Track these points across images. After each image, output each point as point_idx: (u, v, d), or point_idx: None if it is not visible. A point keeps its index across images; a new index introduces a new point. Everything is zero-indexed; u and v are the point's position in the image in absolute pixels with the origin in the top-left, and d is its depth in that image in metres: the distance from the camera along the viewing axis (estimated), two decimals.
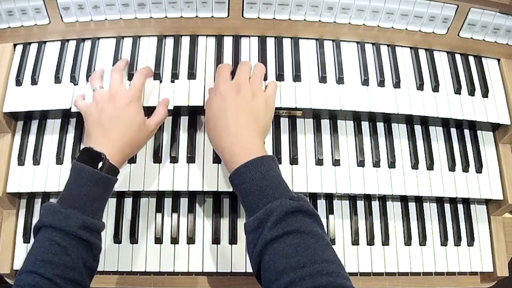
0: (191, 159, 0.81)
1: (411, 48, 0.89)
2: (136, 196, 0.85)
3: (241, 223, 0.84)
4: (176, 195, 0.86)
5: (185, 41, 0.86)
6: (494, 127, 0.90)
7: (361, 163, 0.83)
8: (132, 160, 0.81)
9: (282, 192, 0.64)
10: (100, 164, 0.68)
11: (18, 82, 0.82)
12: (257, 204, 0.64)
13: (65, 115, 0.85)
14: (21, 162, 0.82)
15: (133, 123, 0.73)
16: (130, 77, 0.81)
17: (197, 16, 0.83)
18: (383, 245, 0.86)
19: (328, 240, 0.62)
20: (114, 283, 0.85)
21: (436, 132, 0.89)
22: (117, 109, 0.73)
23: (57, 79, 0.82)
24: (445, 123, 0.89)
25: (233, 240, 0.83)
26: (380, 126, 0.88)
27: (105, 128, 0.71)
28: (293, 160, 0.82)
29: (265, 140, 0.77)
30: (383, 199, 0.88)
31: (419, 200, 0.89)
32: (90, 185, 0.66)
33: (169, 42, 0.86)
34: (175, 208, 0.85)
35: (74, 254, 0.62)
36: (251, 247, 0.63)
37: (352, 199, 0.88)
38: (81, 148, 0.75)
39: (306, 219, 0.61)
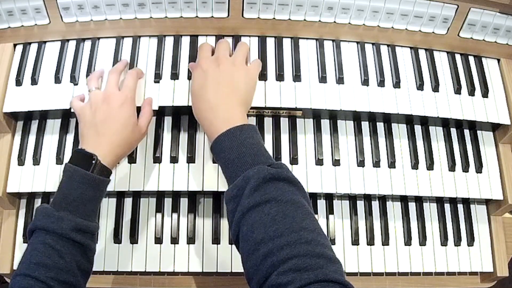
0: (191, 159, 0.81)
1: (411, 48, 0.89)
2: (136, 196, 0.85)
3: None
4: (176, 195, 0.86)
5: (185, 41, 0.86)
6: (494, 127, 0.90)
7: (361, 163, 0.83)
8: (132, 160, 0.81)
9: (261, 159, 0.64)
10: (92, 166, 0.68)
11: (18, 82, 0.82)
12: (236, 172, 0.63)
13: (65, 115, 0.85)
14: (21, 162, 0.82)
15: (126, 125, 0.73)
16: None
17: (197, 16, 0.83)
18: (383, 245, 0.86)
19: (310, 208, 0.60)
20: (114, 283, 0.85)
21: (436, 132, 0.89)
22: (111, 111, 0.73)
23: (57, 79, 0.82)
24: (445, 123, 0.89)
25: None
26: (380, 126, 0.88)
27: (97, 129, 0.71)
28: (293, 160, 0.82)
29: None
30: (383, 199, 0.88)
31: (419, 200, 0.89)
32: (82, 187, 0.66)
33: (169, 42, 0.85)
34: (175, 208, 0.85)
35: (67, 256, 0.62)
36: (230, 217, 0.62)
37: (352, 199, 0.88)
38: (73, 150, 0.75)
39: (286, 187, 0.60)
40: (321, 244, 0.55)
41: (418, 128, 0.89)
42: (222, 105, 0.70)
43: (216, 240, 0.84)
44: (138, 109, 0.78)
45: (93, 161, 0.68)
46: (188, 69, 0.82)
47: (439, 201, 0.90)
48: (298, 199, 0.60)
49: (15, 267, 0.83)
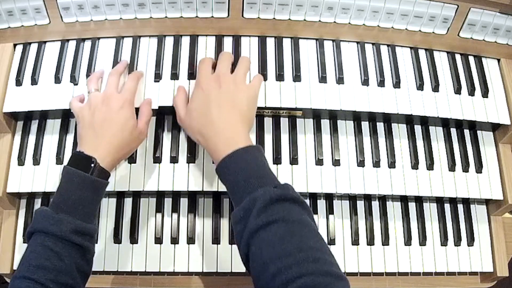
0: (191, 159, 0.81)
1: (411, 48, 0.89)
2: (136, 196, 0.85)
3: None
4: (176, 195, 0.86)
5: (185, 41, 0.86)
6: (494, 127, 0.90)
7: (361, 163, 0.83)
8: (132, 160, 0.81)
9: (267, 180, 0.64)
10: (91, 168, 0.68)
11: (18, 82, 0.82)
12: (242, 194, 0.63)
13: (65, 115, 0.85)
14: (21, 162, 0.82)
15: (125, 127, 0.73)
16: None
17: (197, 16, 0.83)
18: (383, 245, 0.86)
19: (316, 227, 0.61)
20: (114, 283, 0.85)
21: (436, 132, 0.89)
22: (110, 113, 0.73)
23: (57, 79, 0.82)
24: (445, 123, 0.89)
25: (233, 240, 0.83)
26: (380, 126, 0.88)
27: (96, 131, 0.71)
28: (293, 160, 0.82)
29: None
30: (383, 199, 0.88)
31: (419, 200, 0.89)
32: (81, 189, 0.66)
33: (169, 42, 0.85)
34: (175, 208, 0.85)
35: (67, 258, 0.62)
36: (238, 238, 0.63)
37: (352, 199, 0.88)
38: (72, 152, 0.75)
39: (292, 207, 0.61)
40: (329, 262, 0.56)
41: (418, 128, 0.89)
42: (227, 127, 0.70)
43: (216, 240, 0.84)
44: (138, 110, 0.78)
45: (92, 164, 0.68)
46: (188, 70, 0.82)
47: (439, 201, 0.90)
48: (304, 218, 0.61)
49: (15, 267, 0.83)
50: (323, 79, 0.83)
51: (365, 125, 0.87)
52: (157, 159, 0.81)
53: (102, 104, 0.74)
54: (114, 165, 0.73)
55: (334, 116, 0.87)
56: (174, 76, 0.82)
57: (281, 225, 0.59)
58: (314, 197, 0.87)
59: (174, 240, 0.83)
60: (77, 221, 0.65)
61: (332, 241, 0.85)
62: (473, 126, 0.90)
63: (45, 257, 0.61)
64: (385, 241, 0.86)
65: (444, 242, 0.87)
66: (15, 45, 0.86)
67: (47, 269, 0.60)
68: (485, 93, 0.87)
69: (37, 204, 0.86)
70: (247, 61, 0.80)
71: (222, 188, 0.80)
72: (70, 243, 0.63)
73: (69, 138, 0.84)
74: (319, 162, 0.83)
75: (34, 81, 0.82)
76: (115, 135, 0.72)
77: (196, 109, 0.74)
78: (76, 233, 0.64)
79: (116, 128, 0.72)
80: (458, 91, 0.86)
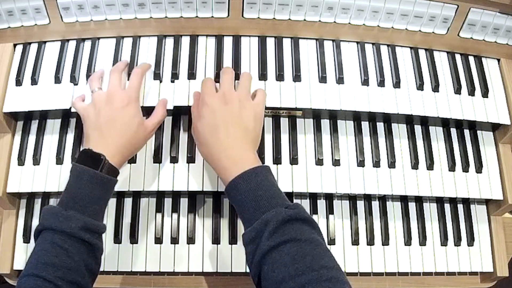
0: (191, 159, 0.81)
1: (411, 48, 0.89)
2: (136, 196, 0.85)
3: (241, 223, 0.84)
4: (176, 195, 0.86)
5: (185, 41, 0.86)
6: (494, 127, 0.90)
7: (361, 163, 0.83)
8: (132, 160, 0.81)
9: (277, 201, 0.64)
10: (100, 165, 0.67)
11: (18, 82, 0.82)
12: (253, 215, 0.64)
13: (65, 115, 0.85)
14: (21, 162, 0.82)
15: (131, 125, 0.73)
16: None
17: (197, 16, 0.83)
18: (383, 245, 0.86)
19: (326, 245, 0.62)
20: (114, 283, 0.85)
21: (436, 132, 0.89)
22: (114, 111, 0.73)
23: (57, 79, 0.82)
24: (445, 123, 0.89)
25: (233, 240, 0.83)
26: (380, 126, 0.88)
27: (102, 130, 0.71)
28: (293, 160, 0.82)
29: (264, 147, 0.76)
30: (383, 199, 0.88)
31: (419, 200, 0.89)
32: (91, 186, 0.66)
33: (169, 42, 0.86)
34: (175, 208, 0.85)
35: (75, 256, 0.62)
36: (249, 258, 0.63)
37: (352, 199, 0.88)
38: (80, 150, 0.75)
39: (303, 227, 0.62)
40: (340, 280, 0.57)
41: (418, 128, 0.89)
42: (234, 147, 0.70)
43: (216, 240, 0.84)
44: (147, 109, 0.78)
45: (101, 161, 0.68)
46: (188, 70, 0.82)
47: (439, 201, 0.90)
48: (315, 237, 0.61)
49: (15, 267, 0.83)
50: (323, 79, 0.83)
51: (365, 125, 0.87)
52: (157, 159, 0.81)
53: (106, 103, 0.73)
54: (122, 162, 0.73)
55: (334, 116, 0.87)
56: (174, 76, 0.82)
57: (293, 245, 0.59)
58: (314, 197, 0.87)
59: (174, 240, 0.83)
60: (86, 218, 0.64)
61: (332, 241, 0.85)
62: (473, 126, 0.90)
63: (54, 254, 0.60)
64: (385, 241, 0.86)
65: (444, 242, 0.87)
66: (15, 45, 0.86)
67: (55, 266, 0.60)
68: (485, 93, 0.87)
69: (37, 204, 0.86)
70: (249, 76, 0.80)
71: (222, 188, 0.79)
72: (79, 240, 0.63)
73: (69, 138, 0.84)
74: (319, 162, 0.83)
75: (34, 81, 0.82)
76: (121, 133, 0.72)
77: (203, 127, 0.73)
78: (85, 230, 0.64)
79: (122, 127, 0.72)
80: (458, 91, 0.86)
